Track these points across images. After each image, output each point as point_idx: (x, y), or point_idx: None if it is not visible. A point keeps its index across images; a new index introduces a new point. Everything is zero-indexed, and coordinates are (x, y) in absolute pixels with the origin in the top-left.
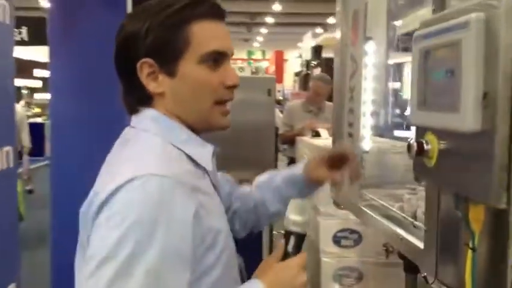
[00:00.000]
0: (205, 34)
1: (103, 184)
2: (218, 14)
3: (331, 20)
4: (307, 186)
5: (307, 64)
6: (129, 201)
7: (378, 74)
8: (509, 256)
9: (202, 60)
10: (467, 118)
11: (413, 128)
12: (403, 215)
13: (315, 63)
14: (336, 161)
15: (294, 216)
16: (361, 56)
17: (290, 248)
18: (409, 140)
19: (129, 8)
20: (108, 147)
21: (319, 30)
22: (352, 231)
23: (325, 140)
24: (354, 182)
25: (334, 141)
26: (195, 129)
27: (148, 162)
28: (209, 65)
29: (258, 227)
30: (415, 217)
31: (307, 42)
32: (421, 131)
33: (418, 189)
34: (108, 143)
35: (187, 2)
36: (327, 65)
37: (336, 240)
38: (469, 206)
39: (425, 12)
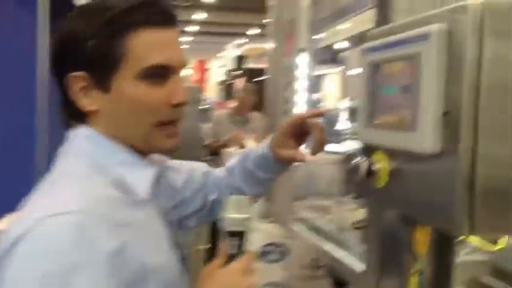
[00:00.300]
0: (146, 45)
1: (16, 221)
2: (166, 20)
3: (253, 31)
4: (279, 165)
5: (230, 74)
6: (33, 253)
7: (309, 86)
8: (454, 280)
9: (141, 76)
10: (425, 138)
11: (346, 142)
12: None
13: (238, 73)
14: (299, 131)
15: (232, 215)
16: (294, 68)
17: (232, 249)
18: (357, 159)
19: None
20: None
21: (242, 40)
22: (279, 245)
23: None
24: (319, 151)
25: None
26: (138, 151)
27: (64, 197)
28: (152, 81)
29: None
30: (343, 229)
31: (230, 52)
32: (367, 149)
33: (345, 201)
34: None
35: (129, 5)
36: (251, 75)
37: (262, 255)
38: (414, 228)
39: (348, 25)
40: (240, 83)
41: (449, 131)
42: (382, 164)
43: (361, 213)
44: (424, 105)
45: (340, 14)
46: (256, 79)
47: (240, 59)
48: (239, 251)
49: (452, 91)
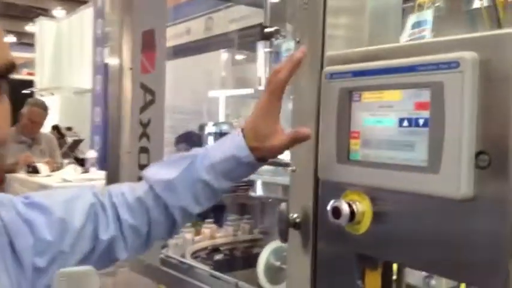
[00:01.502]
0: None
1: None
2: None
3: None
4: (254, 165)
5: None
6: None
7: None
8: None
9: None
10: (453, 181)
11: None
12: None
13: None
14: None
15: None
16: (161, 85)
17: None
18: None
19: None
20: None
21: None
22: None
23: (46, 177)
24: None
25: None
26: None
27: None
28: None
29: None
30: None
31: None
32: (329, 188)
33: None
34: None
35: None
36: (13, 88)
37: None
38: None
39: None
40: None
41: (486, 173)
42: (364, 206)
43: None
44: (452, 144)
45: None
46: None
47: None
48: None
49: (490, 129)
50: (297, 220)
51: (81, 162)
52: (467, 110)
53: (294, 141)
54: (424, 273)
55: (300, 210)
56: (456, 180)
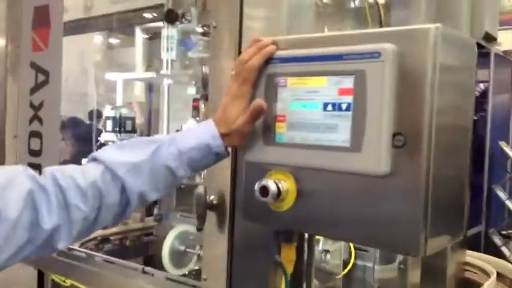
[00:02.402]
0: None
1: None
2: None
3: None
4: (223, 153)
5: None
6: None
7: None
8: None
9: None
10: (374, 159)
11: None
12: None
13: None
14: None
15: None
16: (56, 64)
17: None
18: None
19: None
20: None
21: None
22: None
23: None
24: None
25: None
26: None
27: None
28: None
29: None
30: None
31: None
32: (255, 169)
33: None
34: None
35: None
36: None
37: None
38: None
39: None
40: None
41: (401, 152)
42: (288, 185)
43: None
44: (373, 126)
45: None
46: None
47: None
48: None
49: (405, 113)
50: (214, 202)
51: None
52: (386, 96)
53: (253, 114)
54: (320, 248)
55: (216, 192)
56: (376, 158)
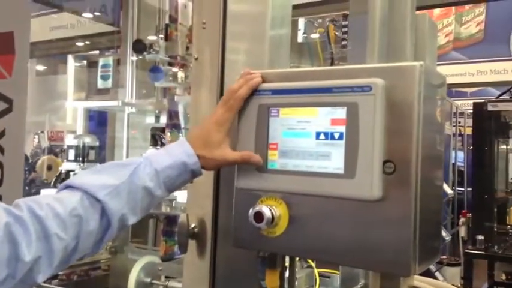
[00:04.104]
0: None
1: None
2: None
3: None
4: (195, 175)
5: None
6: None
7: None
8: None
9: None
10: (366, 185)
11: None
12: None
13: None
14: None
15: None
16: (20, 92)
17: None
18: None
19: None
20: None
21: None
22: None
23: None
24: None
25: None
26: None
27: None
28: None
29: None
30: None
31: None
32: (246, 196)
33: None
34: None
35: None
36: None
37: None
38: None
39: None
40: None
41: (391, 178)
42: (280, 210)
43: None
44: (365, 154)
45: None
46: None
47: None
48: None
49: (394, 142)
50: (195, 230)
51: None
52: (377, 126)
53: (245, 162)
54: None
55: (197, 220)
56: (369, 183)
